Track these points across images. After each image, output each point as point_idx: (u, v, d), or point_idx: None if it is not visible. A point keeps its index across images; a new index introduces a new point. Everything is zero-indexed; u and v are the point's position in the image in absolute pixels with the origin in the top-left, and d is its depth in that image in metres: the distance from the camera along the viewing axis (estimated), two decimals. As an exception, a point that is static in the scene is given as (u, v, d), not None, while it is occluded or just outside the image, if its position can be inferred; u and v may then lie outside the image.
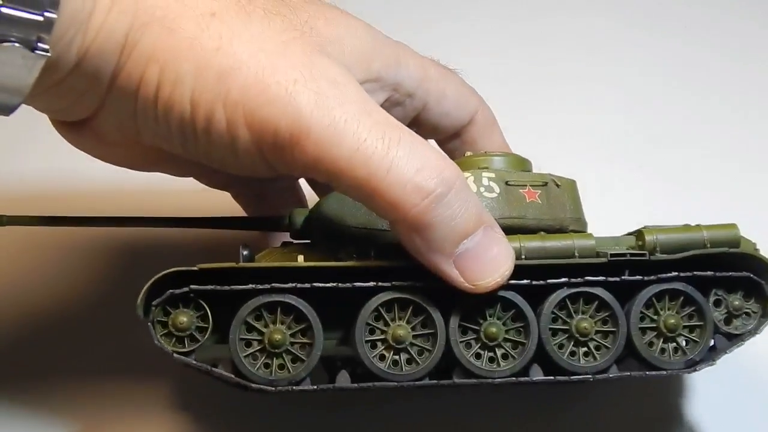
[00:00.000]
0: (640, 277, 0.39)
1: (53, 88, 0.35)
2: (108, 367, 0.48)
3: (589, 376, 0.38)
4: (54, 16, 0.32)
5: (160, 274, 0.36)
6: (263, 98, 0.34)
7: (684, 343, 0.39)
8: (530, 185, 0.41)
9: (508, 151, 0.44)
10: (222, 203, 0.47)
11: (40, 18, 0.32)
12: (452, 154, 0.48)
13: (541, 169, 0.44)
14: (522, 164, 0.42)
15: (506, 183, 0.40)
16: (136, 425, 0.47)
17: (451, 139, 0.47)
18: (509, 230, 0.40)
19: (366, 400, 0.47)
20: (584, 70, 0.59)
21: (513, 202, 0.40)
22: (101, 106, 0.36)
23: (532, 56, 0.59)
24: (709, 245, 0.39)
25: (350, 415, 0.47)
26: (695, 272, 0.39)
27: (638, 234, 0.40)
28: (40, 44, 0.32)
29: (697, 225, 0.40)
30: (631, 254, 0.39)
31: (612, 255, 0.38)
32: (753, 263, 0.39)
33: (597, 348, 0.39)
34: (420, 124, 0.45)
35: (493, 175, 0.41)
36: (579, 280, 0.38)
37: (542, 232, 0.40)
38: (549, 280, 0.38)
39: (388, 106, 0.42)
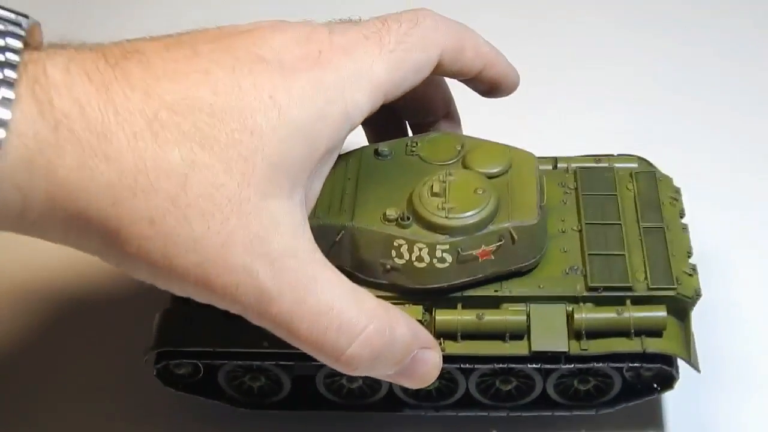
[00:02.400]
0: (557, 367, 0.44)
1: None
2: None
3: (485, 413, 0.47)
4: None
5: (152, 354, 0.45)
6: (212, 297, 0.37)
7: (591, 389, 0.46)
8: (484, 245, 0.43)
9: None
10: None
11: None
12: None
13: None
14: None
15: (459, 252, 0.43)
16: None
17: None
18: (459, 288, 0.44)
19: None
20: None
21: (464, 268, 0.43)
22: None
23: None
24: (633, 331, 0.43)
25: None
26: (610, 363, 0.44)
27: (571, 312, 0.44)
28: None
29: (627, 305, 0.43)
30: (551, 353, 0.43)
31: (533, 352, 0.43)
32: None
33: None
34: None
35: (447, 246, 0.43)
36: (504, 366, 0.44)
37: (479, 312, 0.44)
38: (477, 368, 0.45)
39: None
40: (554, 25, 0.70)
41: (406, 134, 0.52)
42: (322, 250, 0.44)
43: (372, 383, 0.47)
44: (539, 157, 0.51)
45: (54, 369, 0.52)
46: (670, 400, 0.47)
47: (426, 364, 0.42)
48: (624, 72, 0.66)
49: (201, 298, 0.38)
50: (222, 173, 0.36)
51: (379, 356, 0.39)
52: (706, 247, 0.52)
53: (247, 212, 0.36)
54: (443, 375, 0.45)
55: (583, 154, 0.51)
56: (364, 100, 0.40)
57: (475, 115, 0.51)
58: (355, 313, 0.39)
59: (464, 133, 0.53)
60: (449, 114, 0.51)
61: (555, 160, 0.51)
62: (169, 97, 0.35)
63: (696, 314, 0.45)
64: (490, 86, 0.47)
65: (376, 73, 0.40)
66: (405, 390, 0.47)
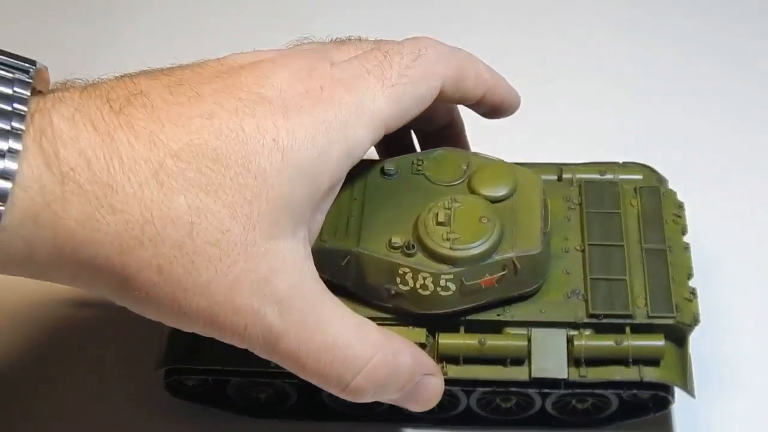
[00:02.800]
0: (557, 392, 0.45)
1: None
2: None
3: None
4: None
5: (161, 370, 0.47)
6: (221, 335, 0.39)
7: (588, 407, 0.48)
8: (488, 274, 0.44)
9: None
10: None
11: None
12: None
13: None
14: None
15: (463, 281, 0.44)
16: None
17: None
18: (462, 313, 0.45)
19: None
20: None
21: (467, 295, 0.44)
22: None
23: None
24: (631, 360, 0.44)
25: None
26: (608, 389, 0.45)
27: (571, 338, 0.45)
28: None
29: (627, 333, 0.44)
30: (550, 379, 0.45)
31: (533, 378, 0.45)
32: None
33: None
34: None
35: (451, 276, 0.44)
36: (503, 390, 0.46)
37: (482, 338, 0.45)
38: (478, 389, 0.46)
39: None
40: (555, 26, 0.69)
41: (412, 143, 0.53)
42: (328, 273, 0.45)
43: None
44: (543, 164, 0.51)
45: (55, 374, 0.53)
46: (677, 403, 0.47)
47: (429, 389, 0.43)
48: (626, 73, 0.66)
49: (209, 335, 0.39)
50: (227, 218, 0.36)
51: (382, 385, 0.41)
52: (706, 250, 0.53)
53: (253, 255, 0.37)
54: (445, 393, 0.46)
55: (587, 161, 0.52)
56: (366, 135, 0.41)
57: (477, 118, 0.50)
58: (359, 346, 0.40)
59: (468, 135, 0.53)
60: (453, 122, 0.52)
61: (560, 170, 0.51)
62: (173, 144, 0.36)
63: (703, 319, 0.46)
64: (491, 110, 0.48)
65: (377, 108, 0.41)
66: None
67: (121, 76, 0.38)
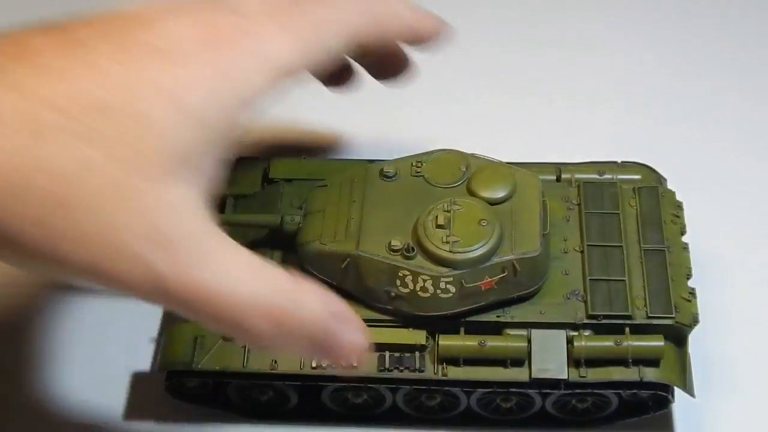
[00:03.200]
0: (557, 392, 0.46)
1: None
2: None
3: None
4: None
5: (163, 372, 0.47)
6: (110, 285, 0.37)
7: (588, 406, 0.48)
8: (488, 276, 0.44)
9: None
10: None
11: None
12: None
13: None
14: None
15: (462, 283, 0.44)
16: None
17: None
18: (462, 315, 0.45)
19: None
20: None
21: (467, 297, 0.44)
22: None
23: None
24: (631, 360, 0.45)
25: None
26: (608, 390, 0.45)
27: (570, 338, 0.45)
28: None
29: (626, 333, 0.45)
30: (551, 379, 0.45)
31: (533, 379, 0.45)
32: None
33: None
34: None
35: (450, 279, 0.44)
36: (503, 390, 0.46)
37: (482, 339, 0.45)
38: (478, 390, 0.46)
39: None
40: (554, 26, 0.69)
41: (350, 66, 0.49)
42: (329, 276, 0.45)
43: (376, 396, 0.48)
44: (542, 164, 0.51)
45: (55, 374, 0.53)
46: (677, 403, 0.47)
47: (346, 340, 0.39)
48: (625, 72, 0.66)
49: (96, 283, 0.38)
50: (110, 167, 0.35)
51: (286, 331, 0.38)
52: (705, 249, 0.53)
53: (137, 201, 0.36)
54: (446, 393, 0.46)
55: (586, 161, 0.52)
56: (262, 81, 0.39)
57: (477, 117, 0.50)
58: (254, 286, 0.38)
59: (466, 134, 0.53)
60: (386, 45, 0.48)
61: (559, 170, 0.51)
62: (56, 97, 0.35)
63: (702, 318, 0.46)
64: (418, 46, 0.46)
65: (276, 54, 0.39)
66: (408, 403, 0.48)
67: (15, 32, 0.37)
